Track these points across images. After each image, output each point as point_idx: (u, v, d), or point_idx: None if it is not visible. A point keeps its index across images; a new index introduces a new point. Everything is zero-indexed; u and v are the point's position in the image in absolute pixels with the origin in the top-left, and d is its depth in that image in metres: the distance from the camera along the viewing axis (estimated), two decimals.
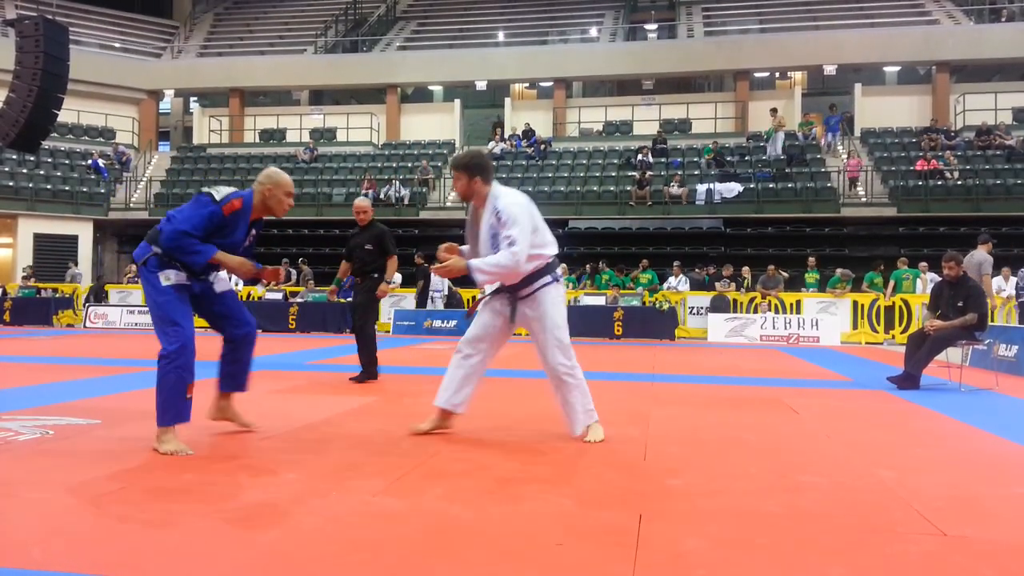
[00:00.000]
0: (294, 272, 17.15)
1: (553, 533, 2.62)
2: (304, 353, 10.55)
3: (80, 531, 2.60)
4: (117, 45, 27.62)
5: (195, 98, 29.65)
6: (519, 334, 4.74)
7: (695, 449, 4.17)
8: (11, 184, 21.35)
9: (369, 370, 7.06)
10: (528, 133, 23.22)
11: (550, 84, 25.71)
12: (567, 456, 3.91)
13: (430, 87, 27.58)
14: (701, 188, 19.57)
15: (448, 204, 21.39)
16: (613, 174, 21.09)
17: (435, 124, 25.56)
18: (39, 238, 21.47)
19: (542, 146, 22.51)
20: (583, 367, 4.22)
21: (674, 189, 19.47)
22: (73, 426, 4.50)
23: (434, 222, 20.99)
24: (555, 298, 4.11)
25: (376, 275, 7.04)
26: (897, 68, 25.10)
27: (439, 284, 16.20)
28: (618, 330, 14.52)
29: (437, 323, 15.57)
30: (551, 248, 4.10)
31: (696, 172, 20.66)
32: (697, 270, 16.91)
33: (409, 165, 22.81)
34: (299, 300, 16.01)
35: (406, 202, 20.94)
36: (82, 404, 5.38)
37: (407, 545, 2.49)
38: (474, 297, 16.71)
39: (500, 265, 3.88)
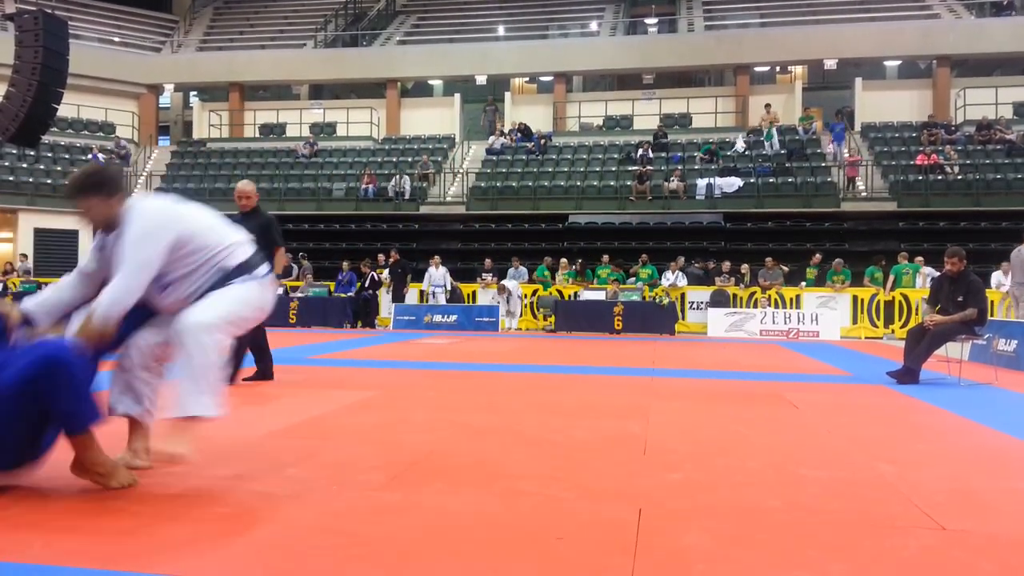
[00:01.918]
0: (295, 267, 17.12)
1: (553, 527, 2.62)
2: (304, 348, 10.56)
3: (80, 525, 2.60)
4: (116, 39, 27.55)
5: (195, 92, 29.62)
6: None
7: (695, 444, 4.18)
8: (11, 179, 21.32)
9: (267, 368, 6.63)
10: (525, 131, 23.15)
11: (550, 78, 25.67)
12: (567, 450, 3.92)
13: (430, 81, 27.53)
14: (701, 183, 19.53)
15: (448, 199, 21.38)
16: (613, 169, 21.06)
17: (435, 119, 25.51)
18: (39, 233, 21.43)
19: (542, 140, 22.47)
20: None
21: (674, 184, 19.45)
22: None
23: (434, 217, 20.98)
24: (243, 289, 3.30)
25: None
26: (897, 62, 25.06)
27: (439, 279, 16.18)
28: (618, 325, 14.52)
29: (438, 318, 15.57)
30: (236, 248, 3.34)
31: (696, 167, 20.64)
32: (697, 265, 16.89)
33: (409, 160, 22.78)
34: (299, 295, 16.01)
35: (406, 196, 20.91)
36: None
37: (407, 540, 2.50)
38: (474, 292, 16.76)
39: (109, 301, 3.04)
